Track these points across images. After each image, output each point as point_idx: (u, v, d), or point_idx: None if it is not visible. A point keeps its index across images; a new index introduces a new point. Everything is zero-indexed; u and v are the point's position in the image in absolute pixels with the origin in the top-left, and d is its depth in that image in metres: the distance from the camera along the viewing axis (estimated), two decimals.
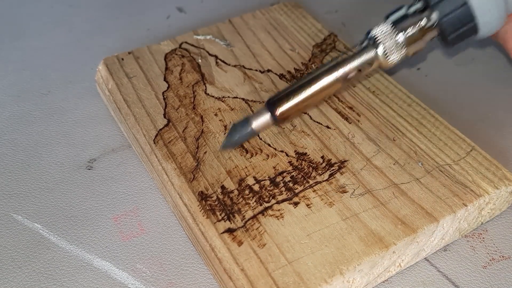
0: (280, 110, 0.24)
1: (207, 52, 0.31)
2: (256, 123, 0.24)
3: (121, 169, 0.27)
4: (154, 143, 0.25)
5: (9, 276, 0.22)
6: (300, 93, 0.24)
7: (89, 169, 0.27)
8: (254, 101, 0.28)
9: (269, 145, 0.25)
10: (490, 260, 0.23)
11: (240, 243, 0.21)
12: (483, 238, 0.24)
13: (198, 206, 0.22)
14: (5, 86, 0.32)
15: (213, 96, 0.28)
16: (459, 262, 0.23)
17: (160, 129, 0.26)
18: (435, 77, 0.33)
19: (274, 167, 0.24)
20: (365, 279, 0.21)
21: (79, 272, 0.23)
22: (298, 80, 0.25)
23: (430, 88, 0.32)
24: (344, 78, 0.24)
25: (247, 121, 0.24)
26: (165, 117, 0.27)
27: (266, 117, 0.24)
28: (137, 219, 0.25)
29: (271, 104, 0.24)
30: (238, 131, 0.24)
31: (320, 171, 0.24)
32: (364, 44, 0.24)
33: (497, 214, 0.25)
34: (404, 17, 0.23)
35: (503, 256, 0.23)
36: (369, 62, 0.24)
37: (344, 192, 0.23)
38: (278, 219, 0.22)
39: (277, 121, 0.24)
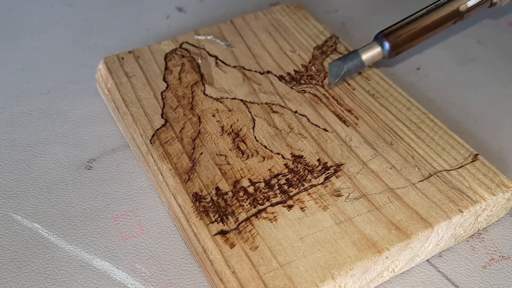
0: (393, 41, 0.24)
1: (207, 52, 0.31)
2: (366, 55, 0.24)
3: (121, 169, 0.28)
4: (151, 143, 0.26)
5: (8, 276, 0.23)
6: (415, 24, 0.24)
7: (88, 169, 0.28)
8: (252, 102, 0.28)
9: (265, 147, 0.25)
10: (490, 260, 0.23)
11: (232, 245, 0.21)
12: (483, 238, 0.24)
13: (192, 207, 0.23)
14: (5, 86, 0.33)
15: (211, 97, 0.28)
16: (459, 262, 0.23)
17: (157, 129, 0.26)
18: (435, 77, 0.33)
19: (269, 170, 0.24)
20: (357, 284, 0.21)
21: (79, 272, 0.23)
22: (411, 14, 0.25)
23: (430, 88, 0.32)
24: (461, 12, 0.24)
25: (356, 52, 0.24)
26: (162, 117, 0.27)
27: (376, 50, 0.24)
28: (137, 219, 0.25)
29: (384, 36, 0.24)
30: (347, 61, 0.24)
31: (315, 174, 0.24)
32: None
33: (494, 220, 0.24)
34: None
35: (502, 256, 0.23)
36: None
37: (339, 195, 0.23)
38: (271, 222, 0.22)
39: (389, 53, 0.24)
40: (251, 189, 0.23)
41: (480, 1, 0.25)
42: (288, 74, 0.30)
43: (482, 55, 0.35)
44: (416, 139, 0.26)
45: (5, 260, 0.23)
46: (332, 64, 0.25)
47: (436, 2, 0.25)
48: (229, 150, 0.25)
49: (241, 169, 0.24)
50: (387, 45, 0.24)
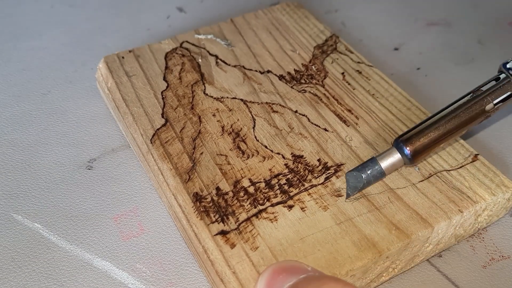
0: (415, 147, 0.22)
1: (208, 51, 0.31)
2: (385, 164, 0.22)
3: (121, 169, 0.28)
4: (151, 142, 0.26)
5: (9, 276, 0.23)
6: (435, 129, 0.23)
7: (89, 169, 0.28)
8: (253, 102, 0.28)
9: (265, 147, 0.25)
10: (490, 260, 0.23)
11: (233, 246, 0.21)
12: (483, 238, 0.24)
13: (192, 207, 0.23)
14: (5, 86, 0.33)
15: (211, 97, 0.28)
16: (459, 261, 0.23)
17: (158, 129, 0.26)
18: (435, 77, 0.33)
19: (270, 170, 0.24)
20: (357, 284, 0.21)
21: (79, 272, 0.23)
22: (431, 116, 0.24)
23: (430, 88, 0.32)
24: (486, 112, 0.23)
25: (374, 161, 0.22)
26: (163, 116, 0.27)
27: (396, 157, 0.22)
28: (137, 219, 0.25)
29: (403, 142, 0.22)
30: (366, 171, 0.22)
31: (316, 174, 0.24)
32: (503, 76, 0.23)
33: (494, 220, 0.24)
34: None
35: (502, 256, 0.23)
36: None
37: (339, 196, 0.23)
38: (271, 222, 0.22)
39: (411, 161, 0.22)
40: (251, 189, 0.23)
41: (508, 95, 0.23)
42: (289, 73, 0.30)
43: (482, 55, 0.35)
44: None
45: (6, 260, 0.23)
46: (349, 175, 0.23)
47: (457, 101, 0.23)
48: (230, 150, 0.25)
49: (242, 169, 0.24)
50: (408, 151, 0.22)
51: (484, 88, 0.24)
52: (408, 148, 0.22)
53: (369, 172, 0.22)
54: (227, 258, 0.20)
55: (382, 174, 0.23)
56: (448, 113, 0.23)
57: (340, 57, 0.31)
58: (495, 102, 0.23)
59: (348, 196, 0.23)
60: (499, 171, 0.24)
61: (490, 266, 0.23)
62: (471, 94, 0.24)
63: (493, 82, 0.24)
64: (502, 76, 0.24)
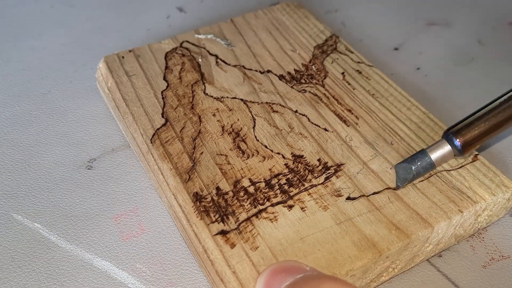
0: (464, 139, 0.23)
1: (208, 51, 0.31)
2: (436, 155, 0.23)
3: (121, 169, 0.28)
4: (151, 142, 0.26)
5: (9, 276, 0.23)
6: (486, 120, 0.23)
7: (89, 169, 0.28)
8: (253, 102, 0.28)
9: (266, 146, 0.25)
10: (490, 260, 0.23)
11: (233, 246, 0.21)
12: (483, 237, 0.24)
13: (192, 207, 0.23)
14: (5, 86, 0.33)
15: (211, 96, 0.28)
16: (459, 261, 0.23)
17: (158, 129, 0.26)
18: (435, 77, 0.33)
19: (270, 169, 0.24)
20: (357, 284, 0.21)
21: (79, 272, 0.23)
22: (481, 107, 0.24)
23: (430, 88, 0.32)
24: None
25: (424, 153, 0.23)
26: (163, 116, 0.27)
27: (447, 148, 0.23)
28: (137, 218, 0.25)
29: (453, 134, 0.23)
30: (415, 163, 0.23)
31: (316, 174, 0.24)
32: None
33: (494, 220, 0.24)
34: None
35: (502, 256, 0.23)
36: None
37: (339, 196, 0.23)
38: (271, 222, 0.22)
39: (461, 152, 0.23)
40: (251, 189, 0.23)
41: None
42: (289, 73, 0.30)
43: (482, 55, 0.35)
44: (416, 139, 0.26)
45: (6, 259, 0.23)
46: (398, 167, 0.23)
47: (507, 92, 0.24)
48: (230, 149, 0.25)
49: (242, 168, 0.24)
50: (458, 143, 0.23)
51: None
52: (458, 139, 0.23)
53: (419, 164, 0.23)
54: (227, 258, 0.20)
55: (432, 166, 0.23)
56: (498, 105, 0.23)
57: (340, 57, 0.31)
58: None
59: (398, 187, 0.23)
60: (499, 171, 0.24)
61: (490, 266, 0.23)
62: None
63: None
64: None
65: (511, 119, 0.23)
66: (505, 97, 0.24)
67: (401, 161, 0.24)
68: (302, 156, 0.25)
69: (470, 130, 0.23)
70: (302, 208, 0.22)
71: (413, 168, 0.23)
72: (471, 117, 0.24)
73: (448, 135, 0.23)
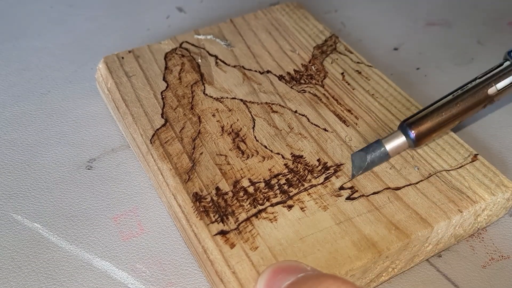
0: (419, 130, 0.23)
1: (207, 52, 0.31)
2: (390, 146, 0.23)
3: (121, 169, 0.28)
4: (151, 143, 0.26)
5: (9, 276, 0.23)
6: (440, 113, 0.23)
7: (88, 169, 0.28)
8: (252, 102, 0.28)
9: (265, 147, 0.25)
10: (490, 260, 0.23)
11: (232, 246, 0.21)
12: (483, 238, 0.24)
13: (192, 207, 0.23)
14: (5, 86, 0.33)
15: (211, 97, 0.28)
16: (459, 261, 0.23)
17: (157, 129, 0.26)
18: (435, 77, 0.33)
19: (269, 170, 0.24)
20: (357, 283, 0.21)
21: (79, 272, 0.23)
22: (436, 100, 0.24)
23: (430, 88, 0.32)
24: (490, 96, 0.23)
25: (379, 143, 0.23)
26: (162, 117, 0.27)
27: (401, 139, 0.23)
28: (137, 219, 0.25)
29: (408, 125, 0.23)
30: (370, 152, 0.23)
31: (315, 174, 0.24)
32: (506, 64, 0.24)
33: (494, 220, 0.24)
34: None
35: (502, 256, 0.23)
36: None
37: (339, 196, 0.23)
38: (271, 222, 0.22)
39: (415, 143, 0.23)
40: (251, 189, 0.23)
41: (506, 88, 0.24)
42: (288, 73, 0.30)
43: (482, 55, 0.35)
44: None
45: (5, 259, 0.23)
46: (354, 155, 0.24)
47: (462, 87, 0.24)
48: (229, 150, 0.25)
49: (241, 169, 0.24)
50: (412, 134, 0.23)
51: (488, 75, 0.24)
52: (413, 131, 0.23)
53: (373, 153, 0.23)
54: (226, 258, 0.20)
55: (386, 155, 0.23)
56: (452, 98, 0.24)
57: (340, 57, 0.31)
58: (498, 87, 0.24)
59: (353, 176, 0.23)
60: (499, 171, 0.24)
61: (489, 266, 0.23)
62: (475, 79, 0.24)
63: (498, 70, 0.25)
64: (506, 63, 0.24)
65: (465, 113, 0.24)
66: (459, 91, 0.24)
67: (357, 150, 0.24)
68: (302, 156, 0.25)
69: (424, 122, 0.23)
70: (301, 208, 0.22)
71: (368, 157, 0.23)
72: (426, 110, 0.24)
73: (403, 127, 0.23)
